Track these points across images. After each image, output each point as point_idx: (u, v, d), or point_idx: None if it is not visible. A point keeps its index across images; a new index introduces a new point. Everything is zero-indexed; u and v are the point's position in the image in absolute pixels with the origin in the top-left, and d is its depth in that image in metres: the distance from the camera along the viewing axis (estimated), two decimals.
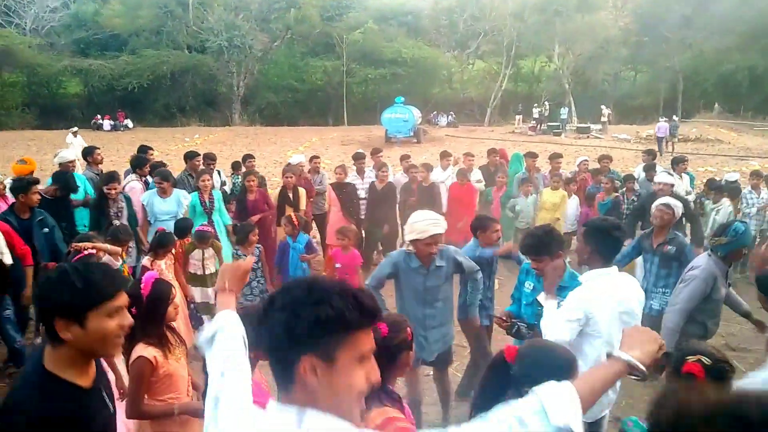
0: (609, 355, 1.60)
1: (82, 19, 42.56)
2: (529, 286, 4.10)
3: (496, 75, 44.90)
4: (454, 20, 46.05)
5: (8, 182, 6.52)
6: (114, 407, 2.05)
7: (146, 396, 2.89)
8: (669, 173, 8.08)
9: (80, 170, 8.30)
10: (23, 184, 5.70)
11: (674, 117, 29.05)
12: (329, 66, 43.63)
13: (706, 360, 2.22)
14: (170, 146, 23.06)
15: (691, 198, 8.54)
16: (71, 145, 16.01)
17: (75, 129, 18.89)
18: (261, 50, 42.34)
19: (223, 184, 8.78)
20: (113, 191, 6.45)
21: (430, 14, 47.88)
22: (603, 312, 3.09)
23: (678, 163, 9.09)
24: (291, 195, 8.03)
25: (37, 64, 38.02)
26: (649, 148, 11.40)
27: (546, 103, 38.97)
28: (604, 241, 3.18)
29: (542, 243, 3.64)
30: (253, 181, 7.75)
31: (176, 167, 9.52)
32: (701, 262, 4.25)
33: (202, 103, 43.45)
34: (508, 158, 10.52)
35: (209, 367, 1.63)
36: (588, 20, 40.25)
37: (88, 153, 8.09)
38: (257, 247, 6.24)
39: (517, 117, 38.07)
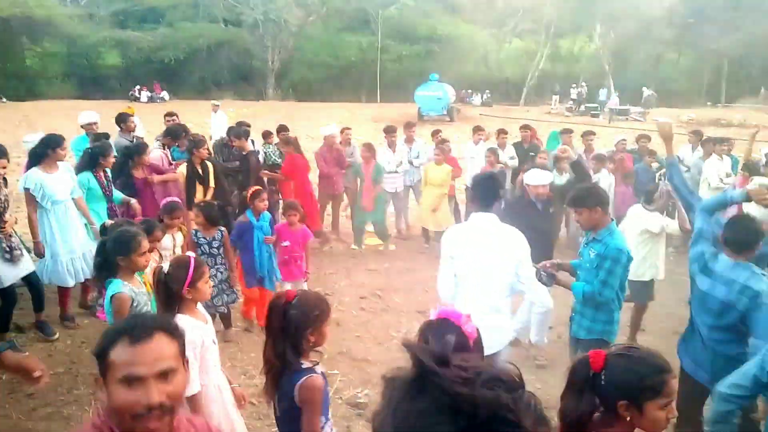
0: None
1: None
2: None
3: (534, 54, 43.99)
4: None
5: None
6: None
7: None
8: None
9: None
10: None
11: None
12: (364, 42, 43.25)
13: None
14: (205, 119, 23.15)
15: (730, 181, 8.24)
16: (212, 122, 14.61)
17: (217, 102, 16.19)
18: (296, 25, 42.20)
19: (258, 153, 8.63)
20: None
21: None
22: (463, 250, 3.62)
23: (716, 144, 8.75)
24: (201, 170, 7.00)
25: (77, 35, 38.50)
26: (695, 129, 11.02)
27: (584, 84, 38.13)
28: (484, 189, 3.71)
29: (581, 196, 3.93)
30: (144, 155, 6.69)
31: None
32: None
33: (237, 77, 43.57)
34: (537, 137, 10.30)
35: None
36: None
37: (122, 120, 8.11)
38: (220, 230, 5.48)
39: (554, 97, 37.33)
